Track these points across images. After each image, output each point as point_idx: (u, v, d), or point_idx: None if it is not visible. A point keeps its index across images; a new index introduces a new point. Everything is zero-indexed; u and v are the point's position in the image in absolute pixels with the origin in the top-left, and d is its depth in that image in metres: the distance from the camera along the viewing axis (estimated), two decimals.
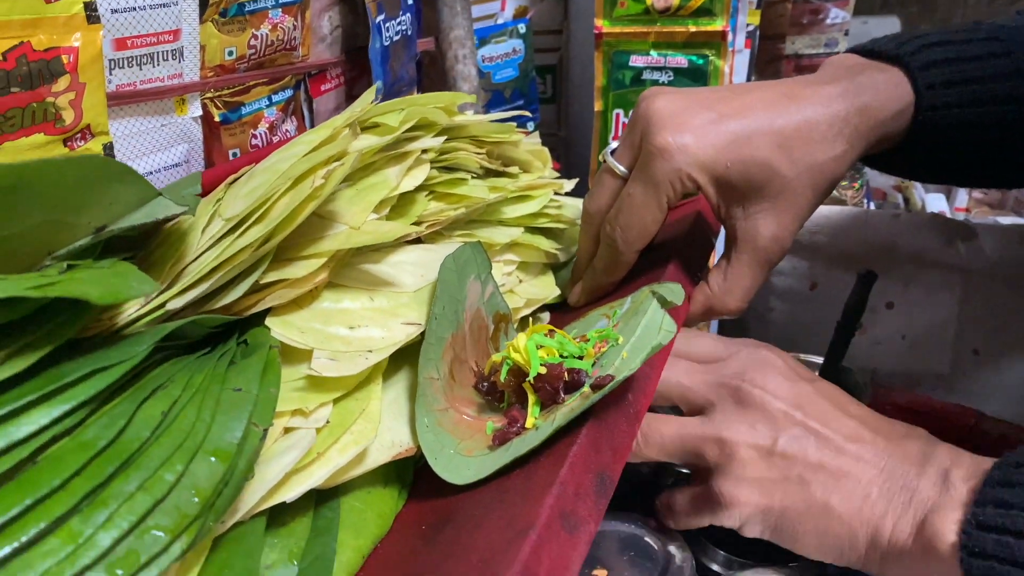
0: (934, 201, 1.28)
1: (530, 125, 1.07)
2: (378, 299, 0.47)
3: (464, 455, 0.43)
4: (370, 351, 0.43)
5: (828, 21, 1.24)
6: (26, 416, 0.29)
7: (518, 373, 0.45)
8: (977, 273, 0.87)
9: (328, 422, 0.41)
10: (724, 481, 0.47)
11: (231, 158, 0.65)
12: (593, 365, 0.45)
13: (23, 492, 0.27)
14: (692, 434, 0.48)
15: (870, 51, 0.57)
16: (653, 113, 0.51)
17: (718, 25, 0.90)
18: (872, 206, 1.16)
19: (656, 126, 0.51)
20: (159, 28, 0.58)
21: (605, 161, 0.55)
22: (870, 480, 0.44)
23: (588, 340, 0.48)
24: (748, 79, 1.08)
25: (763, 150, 0.50)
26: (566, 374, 0.44)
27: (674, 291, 0.47)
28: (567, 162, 1.21)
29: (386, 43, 0.75)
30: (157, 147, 0.60)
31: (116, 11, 0.54)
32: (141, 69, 0.58)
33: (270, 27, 0.67)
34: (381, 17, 0.73)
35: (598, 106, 0.95)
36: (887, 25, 1.74)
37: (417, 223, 0.51)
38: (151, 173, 0.60)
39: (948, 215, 1.20)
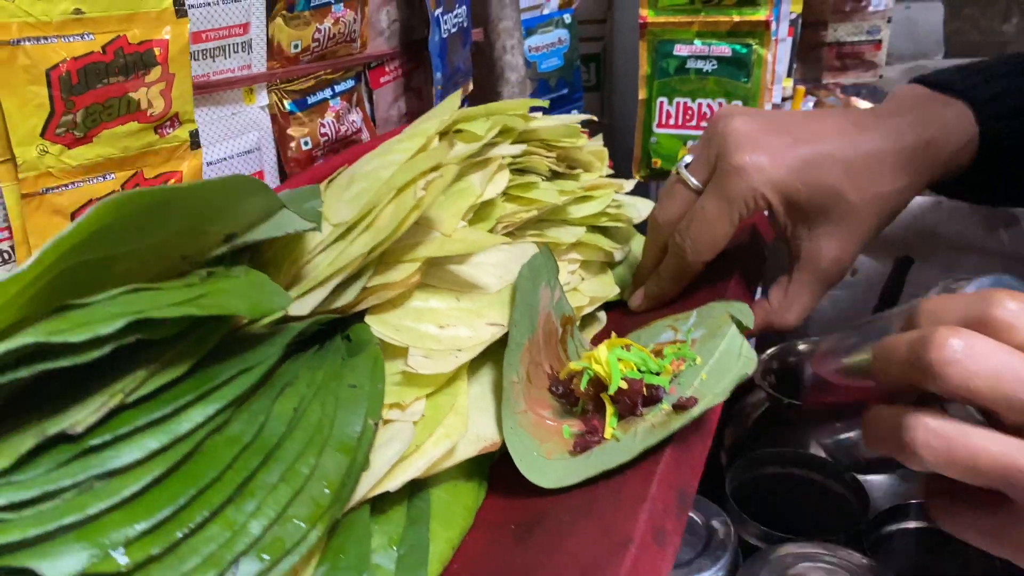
0: None
1: (574, 112, 1.08)
2: (463, 299, 0.50)
3: (545, 457, 0.46)
4: (459, 350, 0.46)
5: (871, 8, 1.25)
6: (186, 414, 0.32)
7: (598, 384, 0.48)
8: (1019, 260, 0.88)
9: (423, 416, 0.44)
10: None
11: (303, 147, 0.68)
12: (671, 382, 0.47)
13: (187, 483, 0.30)
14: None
15: (936, 83, 0.59)
16: (731, 132, 0.54)
17: (762, 15, 0.91)
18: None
19: (733, 145, 0.54)
20: (231, 22, 0.61)
21: (678, 173, 0.57)
22: None
23: (664, 356, 0.50)
24: (790, 66, 1.10)
25: (832, 176, 0.53)
26: (645, 389, 0.46)
27: (744, 313, 0.50)
28: (611, 149, 1.22)
29: (444, 36, 0.77)
30: (231, 134, 0.63)
31: (192, 6, 0.57)
32: (214, 61, 0.60)
33: (332, 21, 0.69)
34: (439, 10, 0.75)
35: (642, 94, 0.96)
36: (931, 11, 1.72)
37: (496, 224, 0.54)
38: (227, 159, 0.63)
39: None
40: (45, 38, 0.47)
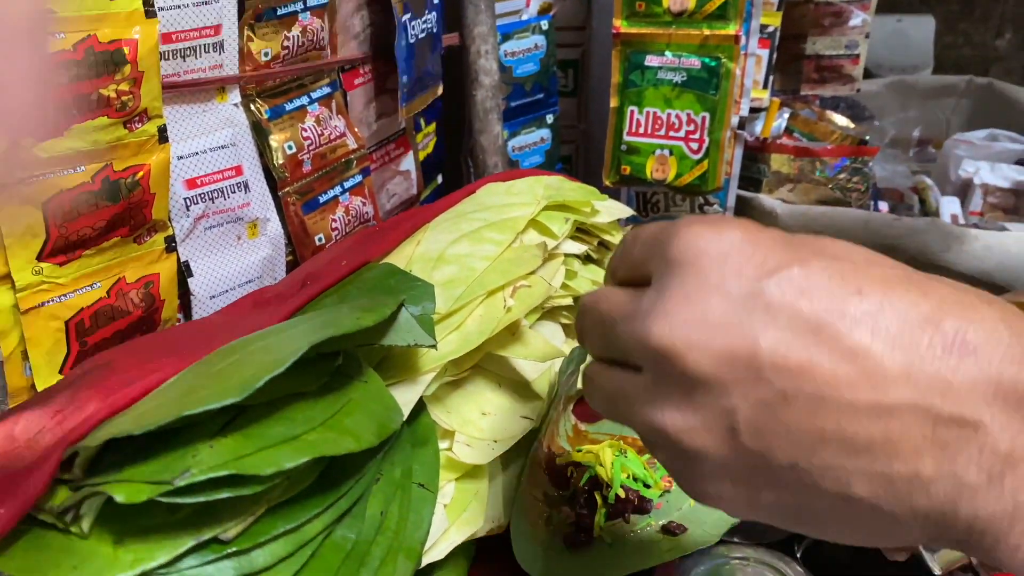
0: (948, 204, 1.33)
1: (549, 117, 1.13)
2: (503, 386, 0.55)
3: (532, 541, 0.51)
4: (495, 440, 0.52)
5: (850, 24, 1.29)
6: (311, 525, 0.38)
7: (595, 482, 0.54)
8: (973, 279, 0.91)
9: (452, 499, 0.49)
10: None
11: (286, 151, 0.72)
12: (660, 496, 0.54)
13: None
14: None
15: None
16: None
17: (731, 29, 0.96)
18: (884, 207, 1.20)
19: None
20: (202, 23, 0.64)
21: None
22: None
23: (656, 468, 0.55)
24: (767, 77, 1.14)
25: None
26: (636, 499, 0.52)
27: None
28: (586, 154, 1.27)
29: (412, 40, 0.81)
30: (203, 130, 0.67)
31: (163, 8, 0.59)
32: (184, 60, 0.64)
33: (300, 29, 0.73)
34: (407, 16, 0.80)
35: (614, 102, 1.01)
36: (924, 24, 1.73)
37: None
38: (199, 153, 0.66)
39: (961, 219, 1.24)
40: None
